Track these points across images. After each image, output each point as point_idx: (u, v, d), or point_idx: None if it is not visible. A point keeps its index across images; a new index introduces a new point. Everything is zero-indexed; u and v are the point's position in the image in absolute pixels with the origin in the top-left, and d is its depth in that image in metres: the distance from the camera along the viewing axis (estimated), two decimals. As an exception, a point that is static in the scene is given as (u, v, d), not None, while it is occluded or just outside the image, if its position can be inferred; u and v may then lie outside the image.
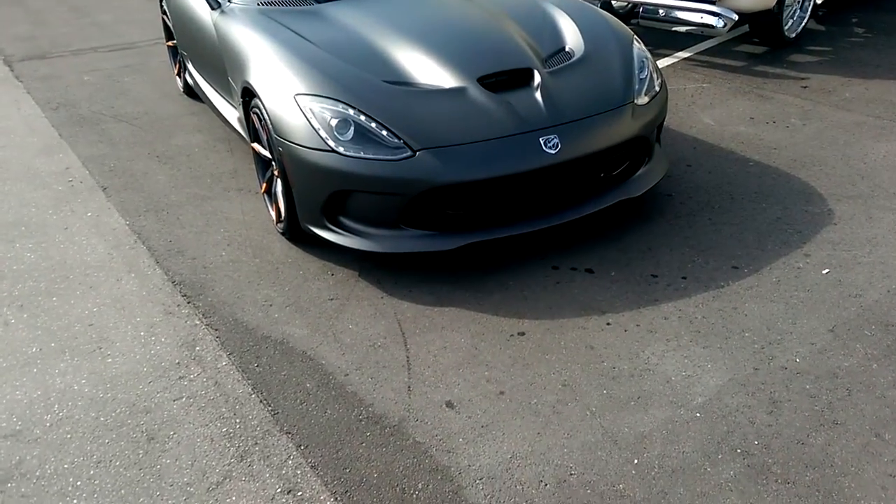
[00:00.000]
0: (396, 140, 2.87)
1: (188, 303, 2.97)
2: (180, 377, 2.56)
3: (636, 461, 2.18)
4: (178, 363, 2.63)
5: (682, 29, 5.99)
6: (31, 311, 2.95)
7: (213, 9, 3.91)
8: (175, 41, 5.08)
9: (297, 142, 2.93)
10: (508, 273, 3.10)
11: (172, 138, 4.58)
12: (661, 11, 5.47)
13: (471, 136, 2.91)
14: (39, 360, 2.67)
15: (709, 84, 5.18)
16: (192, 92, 5.11)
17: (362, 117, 2.89)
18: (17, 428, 2.36)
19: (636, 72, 3.36)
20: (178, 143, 4.50)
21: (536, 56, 3.31)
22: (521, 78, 3.17)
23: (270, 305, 2.94)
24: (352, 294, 3.00)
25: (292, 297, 2.99)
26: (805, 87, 5.02)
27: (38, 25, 7.44)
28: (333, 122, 2.89)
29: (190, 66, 4.75)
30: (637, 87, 3.31)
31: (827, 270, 3.04)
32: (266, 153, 3.32)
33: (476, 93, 3.04)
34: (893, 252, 3.14)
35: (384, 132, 2.88)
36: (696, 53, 5.83)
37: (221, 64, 3.79)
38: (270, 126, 3.07)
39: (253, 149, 3.51)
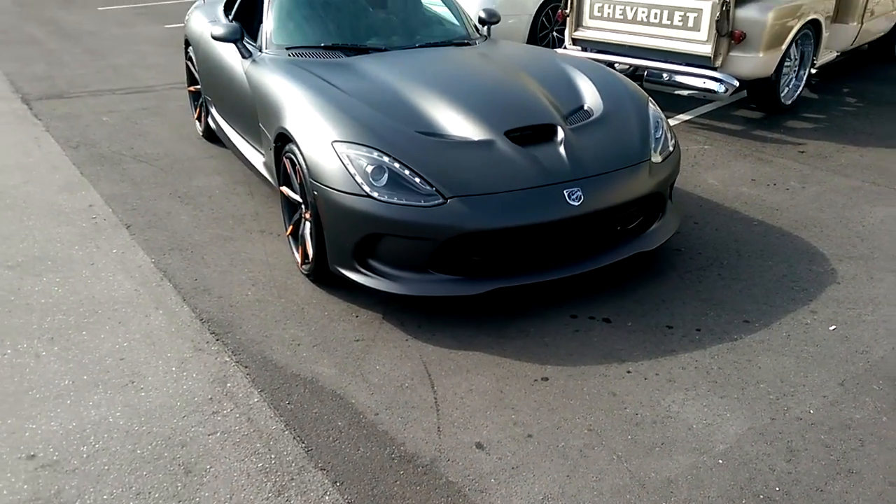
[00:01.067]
0: (429, 187, 3.00)
1: (217, 340, 3.03)
2: (213, 412, 2.61)
3: (664, 505, 2.25)
4: (211, 398, 2.68)
5: (685, 92, 6.24)
6: (61, 344, 3.00)
7: (244, 57, 4.08)
8: (198, 87, 5.24)
9: (332, 186, 3.05)
10: (528, 320, 3.20)
11: (193, 180, 4.69)
12: (665, 75, 5.72)
13: (499, 187, 3.04)
14: (73, 393, 2.71)
15: (710, 146, 5.40)
16: (211, 136, 5.25)
17: (396, 165, 3.03)
18: (55, 458, 2.39)
19: (652, 131, 3.54)
20: (198, 185, 4.61)
21: (558, 112, 3.49)
22: (545, 133, 3.33)
23: (298, 345, 3.01)
24: (377, 336, 3.08)
25: (319, 337, 3.07)
26: (802, 152, 5.25)
27: (55, 66, 7.60)
28: (369, 169, 3.02)
29: (213, 110, 4.89)
30: (653, 145, 3.48)
31: (834, 327, 3.17)
32: (295, 196, 3.43)
33: (503, 145, 3.19)
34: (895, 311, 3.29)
35: (417, 179, 3.01)
36: (697, 116, 6.08)
37: (251, 110, 3.93)
38: (306, 170, 3.19)
39: (281, 192, 3.62)
